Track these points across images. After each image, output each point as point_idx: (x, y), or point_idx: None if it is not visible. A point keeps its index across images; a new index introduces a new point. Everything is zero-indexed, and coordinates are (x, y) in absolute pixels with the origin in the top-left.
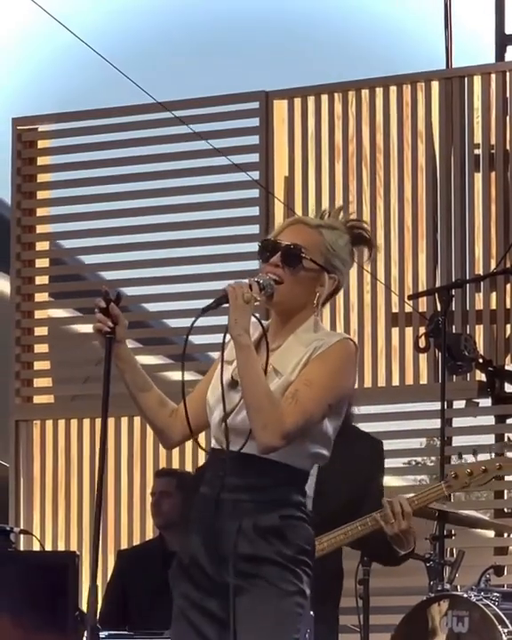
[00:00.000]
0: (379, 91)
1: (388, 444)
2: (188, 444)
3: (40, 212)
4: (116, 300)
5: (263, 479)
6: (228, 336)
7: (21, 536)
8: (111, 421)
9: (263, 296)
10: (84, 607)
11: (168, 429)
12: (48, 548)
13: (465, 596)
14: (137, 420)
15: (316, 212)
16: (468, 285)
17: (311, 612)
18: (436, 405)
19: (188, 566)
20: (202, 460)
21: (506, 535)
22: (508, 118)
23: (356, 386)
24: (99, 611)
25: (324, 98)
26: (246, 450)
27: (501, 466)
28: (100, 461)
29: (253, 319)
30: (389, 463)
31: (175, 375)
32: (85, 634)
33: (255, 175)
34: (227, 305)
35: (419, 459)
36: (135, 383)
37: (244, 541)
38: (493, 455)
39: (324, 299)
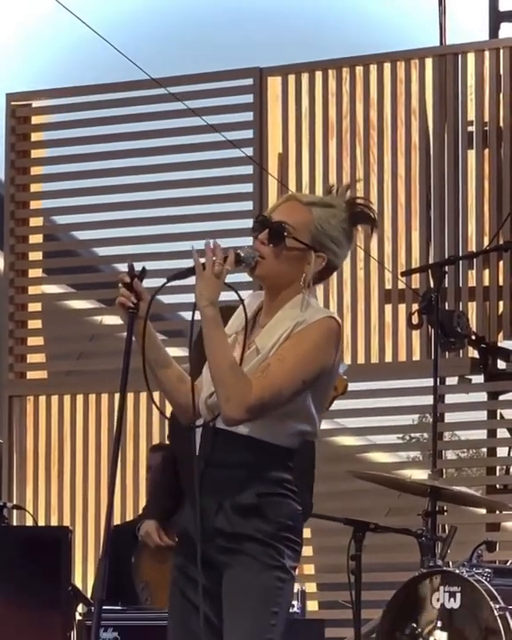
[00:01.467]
0: (373, 68)
1: (380, 421)
2: None
3: (34, 187)
4: (141, 275)
5: (243, 456)
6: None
7: (14, 511)
8: (105, 397)
9: (245, 268)
10: (78, 582)
11: (188, 405)
12: (41, 523)
13: (457, 571)
14: (130, 396)
15: (323, 189)
16: (460, 262)
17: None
18: (429, 382)
19: (181, 539)
20: None
21: (498, 511)
22: (501, 95)
23: (349, 362)
24: (92, 586)
25: (318, 75)
26: (223, 425)
27: (336, 387)
28: (116, 435)
29: (259, 293)
30: (382, 439)
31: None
32: (78, 608)
33: (249, 151)
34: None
35: (411, 435)
36: (156, 360)
37: (224, 519)
38: (486, 432)
39: (316, 277)
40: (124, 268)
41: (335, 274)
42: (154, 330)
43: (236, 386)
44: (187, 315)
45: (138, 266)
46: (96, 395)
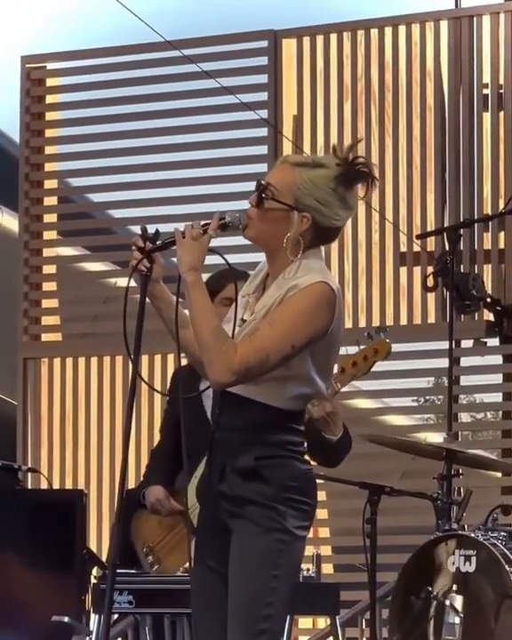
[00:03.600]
0: (387, 30)
1: (396, 383)
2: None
3: (48, 150)
4: (154, 237)
5: (246, 419)
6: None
7: (29, 474)
8: (119, 360)
9: (235, 232)
10: (92, 545)
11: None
12: (55, 486)
13: (472, 535)
14: (144, 358)
15: (330, 149)
16: (476, 225)
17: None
18: (444, 345)
19: (200, 498)
20: None
21: None
22: None
23: (364, 324)
24: (107, 549)
25: (333, 37)
26: (234, 390)
27: (377, 350)
28: (130, 398)
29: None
30: (398, 402)
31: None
32: (93, 572)
33: (264, 114)
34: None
35: (427, 397)
36: (173, 320)
37: (225, 482)
38: (502, 395)
39: (311, 240)
40: (137, 230)
41: (349, 236)
42: (168, 291)
43: (219, 350)
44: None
45: (151, 228)
46: (110, 357)
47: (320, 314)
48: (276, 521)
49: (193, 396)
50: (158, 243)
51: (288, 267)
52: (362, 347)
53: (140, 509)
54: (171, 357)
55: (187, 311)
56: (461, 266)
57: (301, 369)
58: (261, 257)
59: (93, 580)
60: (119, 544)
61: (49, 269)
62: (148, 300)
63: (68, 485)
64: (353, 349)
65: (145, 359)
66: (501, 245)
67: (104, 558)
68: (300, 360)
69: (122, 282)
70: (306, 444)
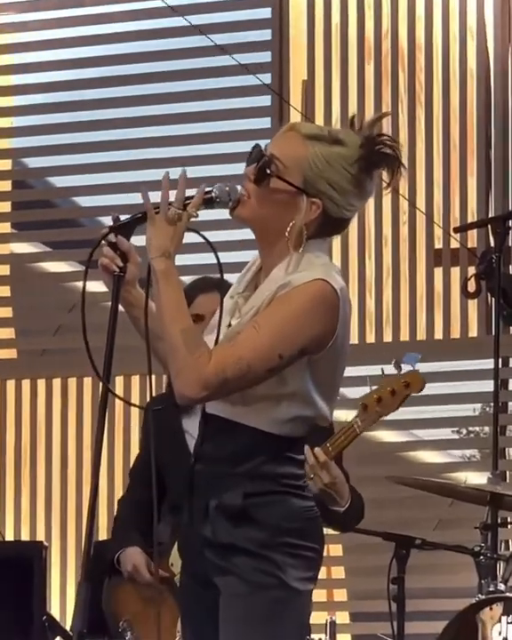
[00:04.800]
0: None
1: (429, 412)
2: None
3: (1, 123)
4: (127, 230)
5: (232, 447)
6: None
7: None
8: (88, 382)
9: (220, 207)
10: (54, 610)
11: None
12: (9, 537)
13: None
14: (118, 380)
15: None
16: None
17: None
18: (489, 364)
19: (180, 550)
20: None
21: None
22: None
23: (389, 339)
24: (72, 613)
25: None
26: (211, 410)
27: (408, 383)
28: (99, 428)
29: None
30: (430, 435)
31: None
32: None
33: (266, 79)
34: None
35: (467, 429)
36: (152, 331)
37: (209, 525)
38: None
39: (316, 229)
40: (109, 221)
41: (372, 229)
42: (144, 295)
43: (189, 357)
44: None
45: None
46: (77, 378)
47: (316, 318)
48: (271, 575)
49: (174, 434)
50: (123, 219)
51: (284, 259)
52: (386, 374)
53: (113, 574)
54: (119, 380)
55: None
56: (510, 266)
57: (299, 386)
58: (246, 234)
59: None
60: (86, 608)
61: (2, 270)
62: (121, 307)
63: (25, 536)
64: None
65: (119, 381)
66: None
67: (68, 626)
68: (297, 375)
69: (91, 285)
70: None
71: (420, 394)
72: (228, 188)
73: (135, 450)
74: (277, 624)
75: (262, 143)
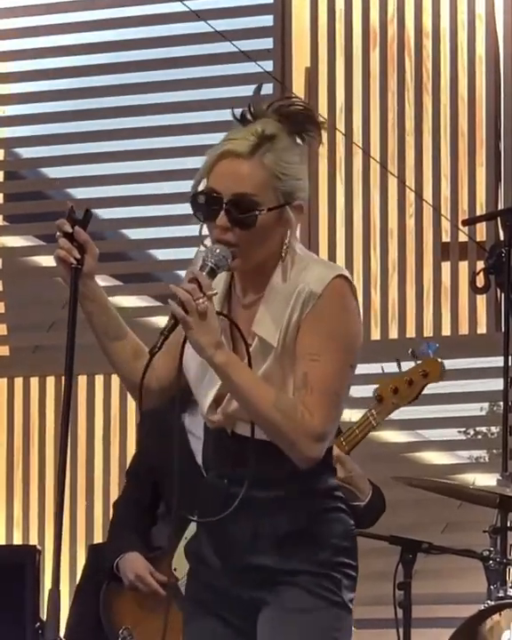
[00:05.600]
0: None
1: (436, 410)
2: None
3: None
4: (84, 220)
5: (281, 469)
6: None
7: None
8: (82, 380)
9: (222, 272)
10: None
11: (144, 387)
12: (1, 541)
13: None
14: (115, 378)
15: (362, 116)
16: None
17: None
18: (498, 361)
19: (195, 566)
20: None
21: None
22: None
23: (395, 336)
24: (66, 620)
25: None
26: (243, 431)
27: (426, 372)
28: (64, 424)
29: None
30: (437, 435)
31: (162, 320)
32: None
33: (268, 66)
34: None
35: (476, 429)
36: (106, 329)
37: (264, 553)
38: None
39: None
40: (107, 214)
41: (378, 223)
42: (102, 290)
43: (294, 425)
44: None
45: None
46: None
47: (353, 316)
48: (334, 592)
49: (174, 436)
50: (159, 339)
51: (276, 269)
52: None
53: (111, 581)
54: (115, 378)
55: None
56: None
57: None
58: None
59: None
60: (58, 615)
61: None
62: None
63: (17, 540)
64: (389, 367)
65: (100, 380)
66: None
67: (62, 633)
68: None
69: None
70: None
71: (430, 391)
72: (218, 251)
73: (131, 449)
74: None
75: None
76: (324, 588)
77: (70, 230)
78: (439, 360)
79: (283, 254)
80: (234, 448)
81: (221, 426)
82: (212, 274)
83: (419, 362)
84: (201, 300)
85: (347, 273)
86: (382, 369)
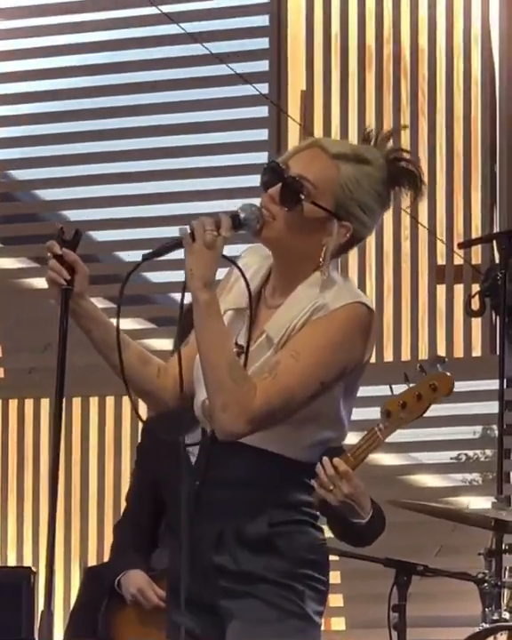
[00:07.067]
0: None
1: (431, 433)
2: None
3: None
4: (74, 241)
5: (250, 473)
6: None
7: None
8: (76, 402)
9: (247, 231)
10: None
11: (158, 391)
12: None
13: None
14: (109, 400)
15: (358, 136)
16: None
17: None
18: (493, 384)
19: (171, 585)
20: None
21: None
22: None
23: (391, 358)
24: None
25: None
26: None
27: (435, 386)
28: (54, 448)
29: (262, 250)
30: (432, 458)
31: (157, 343)
32: None
33: (264, 88)
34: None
35: (471, 452)
36: (106, 341)
37: (227, 554)
38: None
39: (337, 250)
40: (102, 237)
41: (373, 245)
42: (96, 307)
43: (236, 390)
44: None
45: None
46: (66, 398)
47: (355, 342)
48: (294, 603)
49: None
50: (159, 247)
51: (308, 278)
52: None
53: (113, 598)
54: (110, 401)
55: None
56: None
57: (330, 408)
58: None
59: None
60: (51, 637)
61: None
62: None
63: (12, 562)
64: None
65: (94, 402)
66: None
67: None
68: (328, 397)
69: None
70: (330, 532)
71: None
72: (254, 210)
73: (126, 470)
74: None
75: (257, 156)
76: (284, 599)
77: (60, 252)
78: (449, 374)
79: (320, 266)
80: (210, 449)
81: (205, 424)
82: (236, 222)
83: (428, 375)
84: (210, 232)
85: (370, 303)
86: (391, 390)
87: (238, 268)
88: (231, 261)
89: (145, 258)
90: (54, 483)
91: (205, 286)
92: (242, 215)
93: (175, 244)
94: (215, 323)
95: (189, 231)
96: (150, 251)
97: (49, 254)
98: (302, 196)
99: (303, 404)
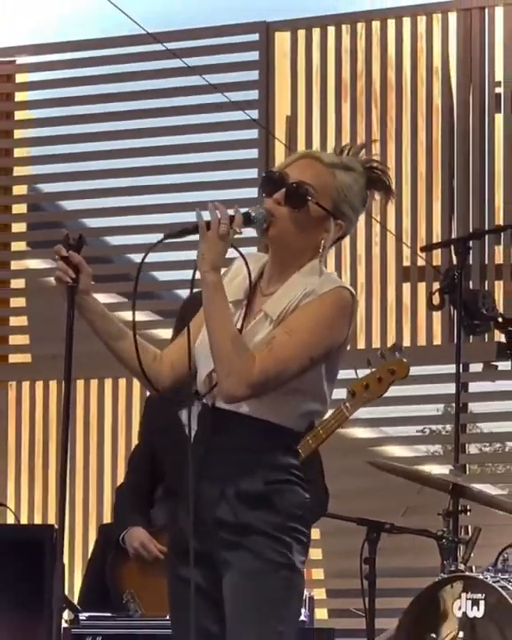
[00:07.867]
0: (391, 22)
1: (398, 411)
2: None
3: (18, 152)
4: (78, 245)
5: (248, 439)
6: (197, 273)
7: None
8: (94, 384)
9: (255, 228)
10: (57, 587)
11: (155, 376)
12: (23, 521)
13: (480, 577)
14: (122, 381)
15: (334, 149)
16: (487, 237)
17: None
18: (451, 369)
19: (172, 537)
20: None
21: None
22: None
23: (363, 346)
24: (79, 591)
25: (331, 30)
26: (230, 406)
27: (394, 370)
28: (64, 425)
29: (257, 254)
30: (399, 432)
31: (163, 332)
32: (64, 615)
33: (254, 114)
34: (196, 236)
35: (432, 427)
36: (108, 332)
37: (227, 508)
38: None
39: (328, 245)
40: (115, 241)
41: (348, 249)
42: (99, 302)
43: (238, 359)
44: (183, 294)
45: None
46: (84, 380)
47: (342, 323)
48: (283, 555)
49: (176, 425)
50: (177, 230)
51: (302, 268)
52: (371, 369)
53: (118, 552)
54: (122, 382)
55: (118, 322)
56: (470, 282)
57: (315, 383)
58: None
59: (64, 624)
60: (62, 584)
61: (17, 283)
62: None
63: (37, 521)
64: (361, 372)
65: (94, 384)
66: None
67: (76, 600)
68: (314, 373)
69: (99, 296)
70: None
71: (391, 393)
72: (263, 211)
73: (129, 443)
74: (288, 597)
75: (248, 172)
76: (275, 551)
77: (66, 254)
78: (404, 360)
79: (319, 257)
80: (212, 419)
81: (207, 399)
82: (247, 219)
83: (388, 360)
84: (224, 224)
85: (352, 289)
86: (356, 373)
87: (242, 255)
88: (237, 250)
89: (166, 237)
90: (64, 453)
91: (214, 269)
92: (253, 214)
93: (192, 228)
94: (221, 301)
95: (205, 220)
96: (171, 232)
97: (56, 256)
98: (310, 198)
99: (294, 375)
